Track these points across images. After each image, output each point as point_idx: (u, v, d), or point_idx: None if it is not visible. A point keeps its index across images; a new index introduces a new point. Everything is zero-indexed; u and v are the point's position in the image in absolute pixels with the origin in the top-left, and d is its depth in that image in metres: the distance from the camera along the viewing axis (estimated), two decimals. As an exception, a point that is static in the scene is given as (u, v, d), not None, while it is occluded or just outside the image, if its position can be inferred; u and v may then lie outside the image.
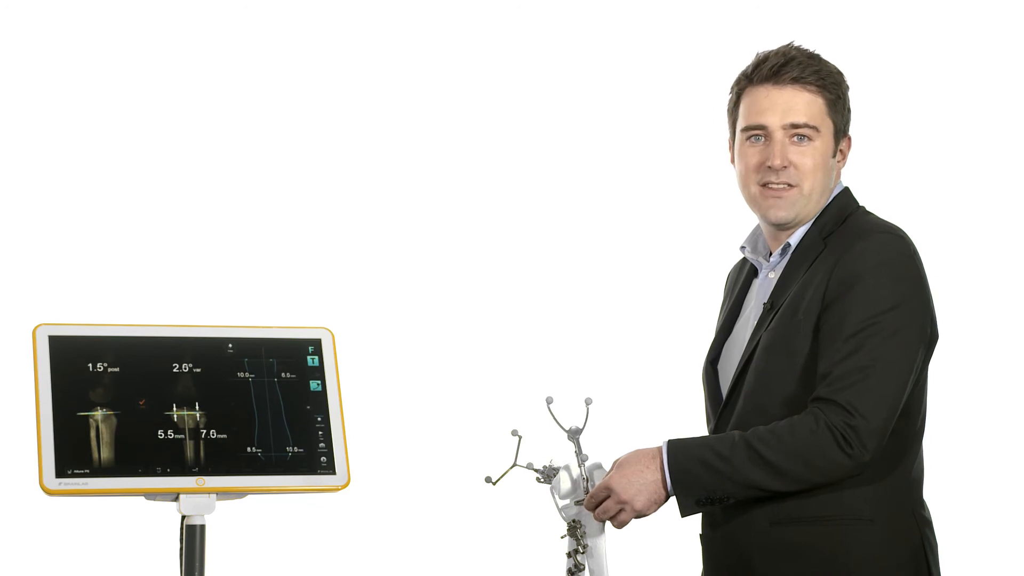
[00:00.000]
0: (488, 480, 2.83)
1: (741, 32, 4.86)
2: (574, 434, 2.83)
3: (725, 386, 2.94)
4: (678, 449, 2.79)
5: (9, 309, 4.64)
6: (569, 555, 2.75)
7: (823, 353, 2.80)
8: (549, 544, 2.88)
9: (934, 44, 4.93)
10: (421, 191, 4.99)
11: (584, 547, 2.74)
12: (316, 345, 2.79)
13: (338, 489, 2.73)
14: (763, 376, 2.86)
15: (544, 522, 2.96)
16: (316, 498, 2.90)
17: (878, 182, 4.73)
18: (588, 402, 2.85)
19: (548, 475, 2.80)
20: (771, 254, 3.00)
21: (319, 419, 2.74)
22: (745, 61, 3.00)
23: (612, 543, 2.80)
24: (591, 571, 2.74)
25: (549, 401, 2.86)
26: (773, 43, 2.99)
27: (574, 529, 2.76)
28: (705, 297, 3.36)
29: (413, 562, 4.81)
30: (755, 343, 2.88)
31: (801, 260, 2.91)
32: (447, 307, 4.95)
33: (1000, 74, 4.93)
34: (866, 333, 2.78)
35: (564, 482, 2.79)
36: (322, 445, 2.73)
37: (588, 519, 2.78)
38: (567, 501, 2.79)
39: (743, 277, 3.06)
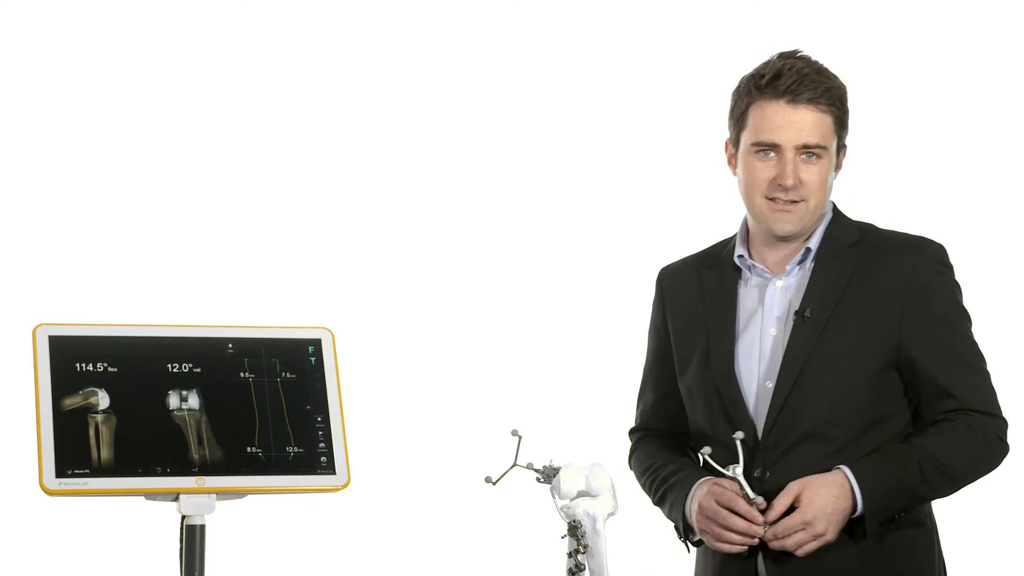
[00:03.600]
0: (488, 480, 2.82)
1: (741, 32, 4.86)
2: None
3: (751, 401, 2.94)
4: (867, 476, 2.84)
5: (9, 309, 4.64)
6: (569, 555, 2.75)
7: (937, 367, 2.88)
8: (549, 544, 2.88)
9: (934, 45, 4.93)
10: (421, 191, 4.99)
11: (584, 547, 2.74)
12: (316, 345, 2.78)
13: (338, 489, 2.73)
14: (834, 390, 2.88)
15: (544, 522, 2.96)
16: (316, 498, 2.90)
17: (878, 182, 4.74)
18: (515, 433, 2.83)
19: (548, 475, 2.80)
20: (746, 262, 3.02)
21: (319, 419, 2.74)
22: (745, 61, 3.00)
23: (612, 544, 2.80)
24: (591, 571, 2.74)
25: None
26: (772, 43, 2.99)
27: (574, 529, 2.76)
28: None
29: (413, 562, 4.80)
30: (804, 355, 2.89)
31: (829, 270, 2.94)
32: (447, 307, 4.95)
33: (1000, 77, 4.92)
34: (969, 343, 2.93)
35: (564, 482, 2.79)
36: (322, 445, 2.73)
37: (589, 520, 2.78)
38: (567, 501, 2.79)
39: (723, 285, 3.04)
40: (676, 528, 3.04)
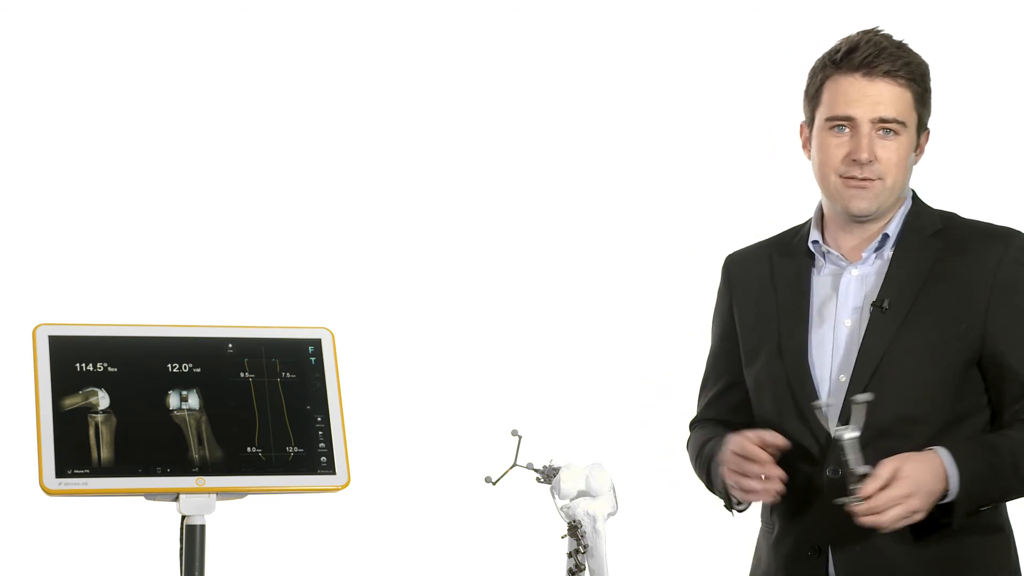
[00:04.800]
0: (488, 480, 2.82)
1: (741, 32, 4.85)
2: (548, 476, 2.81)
3: (824, 395, 2.83)
4: (964, 462, 2.72)
5: (9, 309, 4.64)
6: (569, 555, 2.75)
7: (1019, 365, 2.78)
8: (549, 544, 2.88)
9: (936, 44, 4.92)
10: (421, 191, 4.99)
11: (584, 547, 2.74)
12: (316, 345, 2.78)
13: (338, 489, 2.73)
14: (913, 386, 2.79)
15: (544, 522, 2.96)
16: (316, 498, 2.90)
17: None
18: (515, 434, 2.81)
19: (548, 475, 2.80)
20: (820, 248, 2.92)
21: (319, 419, 2.74)
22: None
23: (613, 544, 2.80)
24: (591, 571, 2.74)
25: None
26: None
27: (574, 529, 2.76)
28: (703, 297, 3.34)
29: (413, 562, 4.80)
30: (882, 349, 2.79)
31: (909, 260, 2.84)
32: (447, 307, 4.95)
33: (1003, 75, 4.92)
34: None
35: (564, 482, 2.79)
36: (322, 445, 2.73)
37: (589, 520, 2.78)
38: (567, 501, 2.79)
39: (797, 272, 2.92)
40: (723, 498, 2.94)
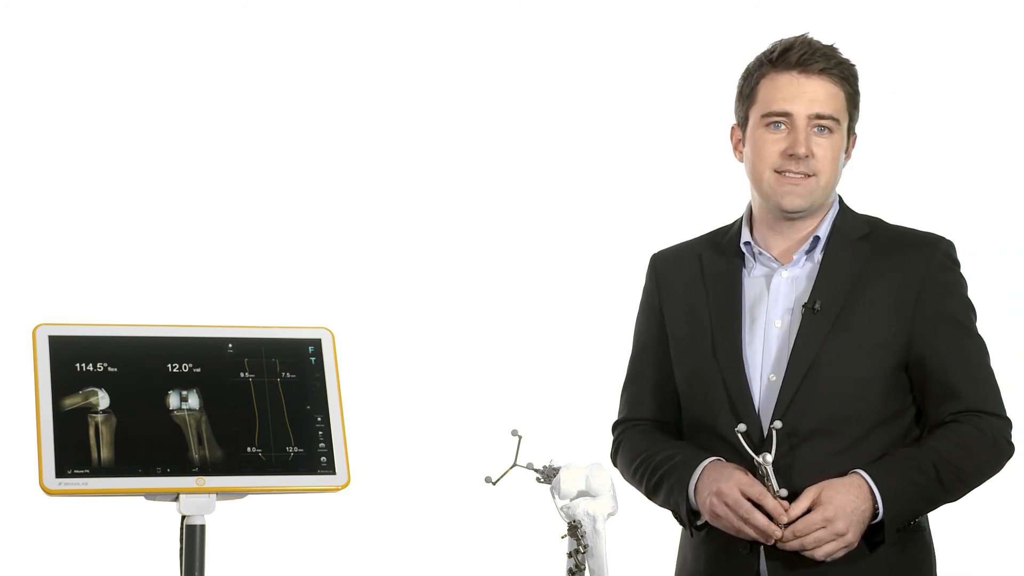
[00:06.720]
0: (488, 480, 2.82)
1: (741, 32, 4.85)
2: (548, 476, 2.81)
3: (756, 394, 2.89)
4: (886, 480, 2.80)
5: (9, 309, 4.64)
6: (569, 555, 2.75)
7: (948, 367, 2.85)
8: (549, 544, 2.88)
9: (935, 45, 4.93)
10: (421, 191, 4.99)
11: (584, 547, 2.74)
12: (316, 345, 2.78)
13: (338, 489, 2.73)
14: (844, 386, 2.84)
15: (544, 522, 2.96)
16: (316, 498, 2.90)
17: (881, 179, 4.74)
18: (515, 434, 2.81)
19: (548, 475, 2.80)
20: (752, 249, 2.96)
21: (319, 419, 2.74)
22: (745, 61, 2.99)
23: (613, 544, 2.80)
24: (591, 571, 2.73)
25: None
26: (771, 42, 2.98)
27: (574, 529, 2.76)
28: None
29: (413, 562, 4.80)
30: (814, 350, 2.84)
31: (839, 263, 2.89)
32: (447, 307, 4.96)
33: (1001, 77, 4.93)
34: (978, 342, 2.89)
35: (564, 482, 2.79)
36: (322, 445, 2.73)
37: (589, 520, 2.78)
38: (567, 501, 2.79)
39: (728, 271, 2.97)
40: (675, 513, 2.97)
